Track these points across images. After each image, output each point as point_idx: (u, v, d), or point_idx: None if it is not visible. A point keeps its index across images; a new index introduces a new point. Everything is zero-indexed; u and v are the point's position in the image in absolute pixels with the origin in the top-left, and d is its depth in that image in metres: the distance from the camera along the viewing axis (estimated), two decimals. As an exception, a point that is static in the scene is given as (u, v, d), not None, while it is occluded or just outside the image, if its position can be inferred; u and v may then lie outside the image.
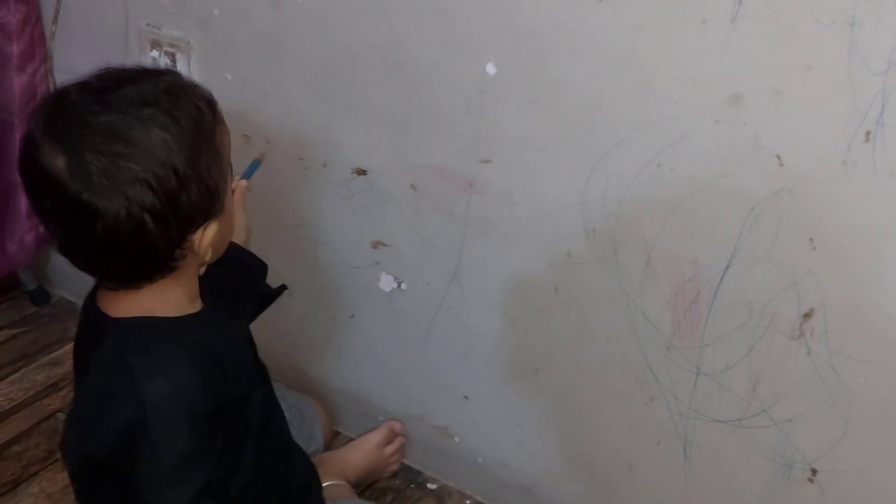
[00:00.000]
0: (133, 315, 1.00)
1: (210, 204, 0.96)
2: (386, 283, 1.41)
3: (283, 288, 1.25)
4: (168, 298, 1.01)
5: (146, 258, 0.95)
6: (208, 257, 1.02)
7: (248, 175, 1.24)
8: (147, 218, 0.91)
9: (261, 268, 1.25)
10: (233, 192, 1.11)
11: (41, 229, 1.75)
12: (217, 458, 1.01)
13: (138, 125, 0.90)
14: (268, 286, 1.25)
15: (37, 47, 1.60)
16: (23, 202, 1.71)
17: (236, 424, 1.06)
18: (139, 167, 0.90)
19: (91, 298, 1.06)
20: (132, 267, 0.96)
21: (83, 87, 0.93)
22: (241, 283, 1.22)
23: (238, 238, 1.19)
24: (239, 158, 1.06)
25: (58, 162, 0.90)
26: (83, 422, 1.00)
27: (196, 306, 1.05)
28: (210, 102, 0.97)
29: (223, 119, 0.99)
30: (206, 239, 0.98)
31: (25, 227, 1.73)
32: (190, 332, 1.02)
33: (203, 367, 0.99)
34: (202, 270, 1.10)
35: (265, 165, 1.28)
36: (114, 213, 0.90)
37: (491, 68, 1.17)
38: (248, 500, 1.10)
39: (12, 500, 1.43)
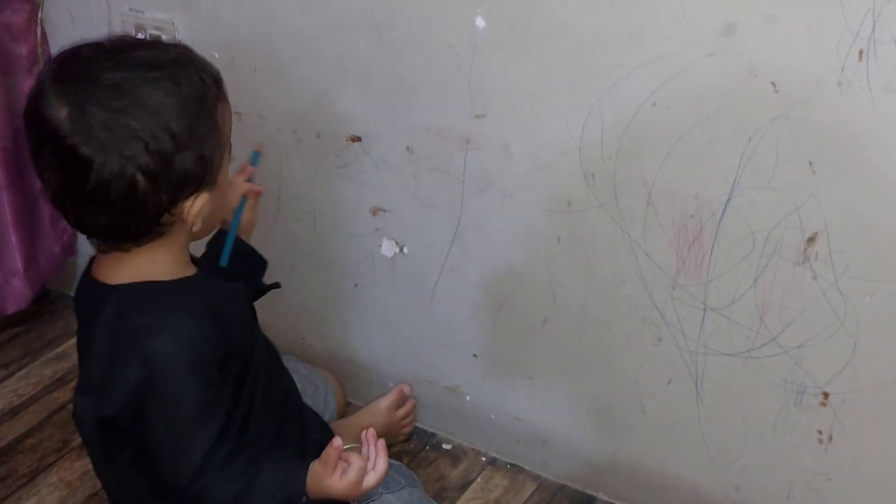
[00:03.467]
0: (130, 280, 1.03)
1: (203, 173, 1.00)
2: (388, 248, 1.42)
3: (276, 285, 1.26)
4: (160, 264, 1.04)
5: (134, 217, 0.98)
6: (196, 228, 1.04)
7: (254, 162, 1.25)
8: (139, 176, 0.94)
9: (261, 264, 1.27)
10: (246, 183, 1.20)
11: (65, 237, 1.72)
12: (229, 406, 1.04)
13: (143, 85, 0.94)
14: (262, 282, 1.26)
15: (42, 47, 1.57)
16: (45, 213, 1.68)
17: (245, 376, 1.09)
18: (138, 125, 0.93)
19: (85, 277, 1.09)
20: (120, 224, 0.98)
21: (96, 45, 0.97)
22: (239, 278, 1.23)
23: (244, 233, 1.23)
24: (233, 137, 1.07)
25: (61, 112, 0.93)
26: (93, 387, 1.03)
27: (191, 270, 1.09)
28: (216, 79, 1.02)
29: (227, 98, 1.03)
30: (195, 208, 1.01)
31: (51, 238, 1.70)
32: (188, 291, 1.06)
33: (204, 322, 1.03)
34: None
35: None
36: (108, 168, 0.93)
37: (480, 21, 1.18)
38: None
39: (31, 490, 1.44)
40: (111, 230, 0.99)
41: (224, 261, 1.16)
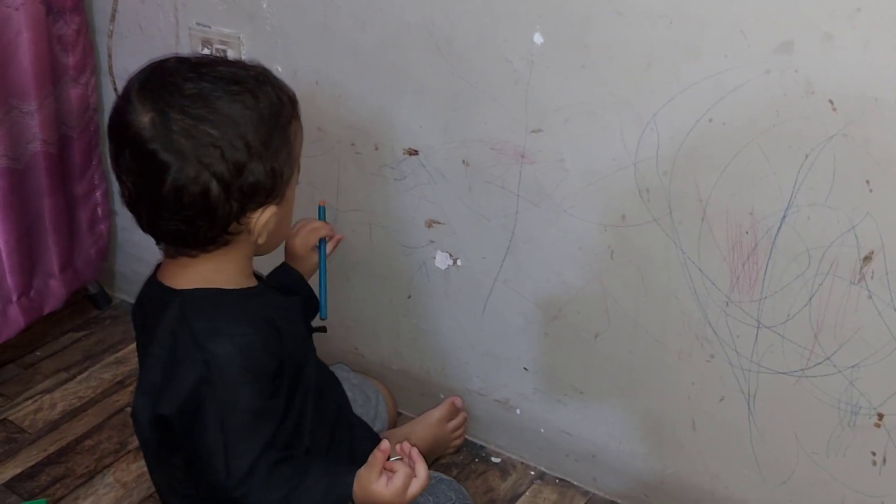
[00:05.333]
0: (194, 286, 1.07)
1: (273, 186, 1.03)
2: (441, 260, 1.44)
3: (323, 329, 1.30)
4: (224, 273, 1.08)
5: (204, 223, 1.01)
6: (262, 241, 1.08)
7: (323, 217, 1.34)
8: (213, 183, 0.98)
9: (314, 303, 1.31)
10: (326, 240, 1.30)
11: (101, 242, 1.79)
12: (280, 416, 1.06)
13: (224, 97, 0.99)
14: (310, 324, 1.29)
15: (88, 58, 1.64)
16: (83, 217, 1.75)
17: (296, 389, 1.12)
18: (217, 133, 0.97)
19: (150, 281, 1.13)
20: (190, 230, 1.02)
21: (182, 59, 1.03)
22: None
23: (308, 274, 1.30)
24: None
25: (144, 118, 0.98)
26: (152, 387, 1.07)
27: (252, 282, 1.13)
28: (292, 99, 1.07)
29: (300, 118, 1.08)
30: (262, 219, 1.05)
31: (89, 242, 1.76)
32: (248, 301, 1.09)
33: (262, 331, 1.06)
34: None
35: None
36: (184, 173, 0.97)
37: (538, 38, 1.19)
38: None
39: (89, 490, 1.47)
40: (181, 235, 1.03)
41: (323, 313, 1.26)
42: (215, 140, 0.97)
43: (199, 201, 0.98)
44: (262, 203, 1.03)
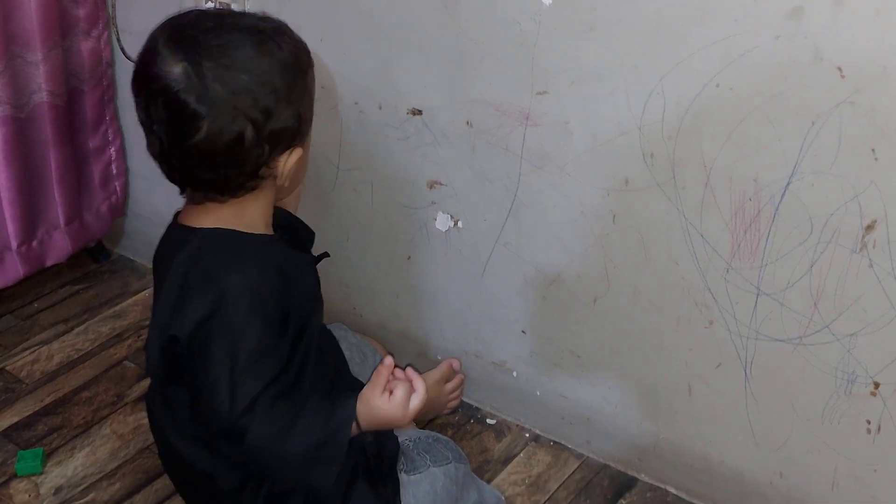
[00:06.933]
0: (215, 226, 1.10)
1: (297, 129, 1.07)
2: (442, 222, 1.44)
3: (325, 255, 1.30)
4: (246, 217, 1.11)
5: (236, 168, 1.05)
6: (287, 184, 1.11)
7: None
8: (248, 127, 1.01)
9: (309, 235, 1.31)
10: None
11: (114, 199, 1.78)
12: (285, 359, 1.09)
13: (250, 45, 1.02)
14: (311, 253, 1.29)
15: (100, 11, 1.63)
16: (96, 172, 1.74)
17: (299, 341, 1.13)
18: (248, 78, 1.01)
19: (171, 225, 1.16)
20: (222, 176, 1.05)
21: (202, 13, 1.07)
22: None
23: (291, 206, 1.29)
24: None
25: (175, 68, 1.01)
26: (164, 317, 1.09)
27: (269, 231, 1.15)
28: (306, 50, 1.10)
29: (313, 67, 1.10)
30: (289, 163, 1.08)
31: (100, 198, 1.76)
32: (263, 247, 1.12)
33: (272, 275, 1.09)
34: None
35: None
36: (220, 119, 1.00)
37: (547, -2, 1.19)
38: None
39: (85, 440, 1.48)
40: (213, 182, 1.06)
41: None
42: (247, 86, 1.00)
43: (233, 147, 1.02)
44: (289, 146, 1.07)
